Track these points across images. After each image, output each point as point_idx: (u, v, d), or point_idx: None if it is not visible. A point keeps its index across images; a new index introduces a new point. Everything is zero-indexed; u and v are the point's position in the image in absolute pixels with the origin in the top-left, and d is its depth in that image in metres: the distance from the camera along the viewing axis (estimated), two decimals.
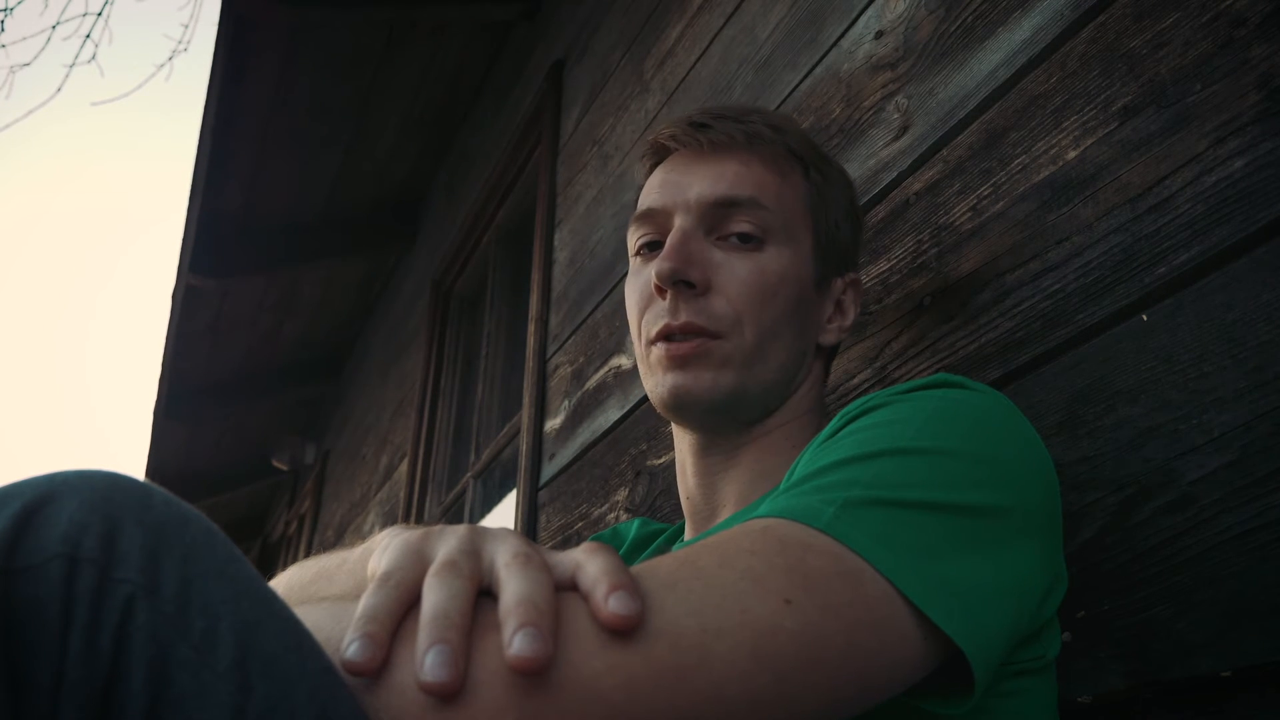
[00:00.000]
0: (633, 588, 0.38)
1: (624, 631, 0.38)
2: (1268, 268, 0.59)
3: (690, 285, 0.69)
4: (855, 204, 0.82)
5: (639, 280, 0.74)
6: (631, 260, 0.77)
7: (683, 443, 0.76)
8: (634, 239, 0.77)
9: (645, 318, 0.72)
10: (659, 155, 0.79)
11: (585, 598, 0.39)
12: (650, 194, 0.75)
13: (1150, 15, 0.71)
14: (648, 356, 0.72)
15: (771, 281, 0.70)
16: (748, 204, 0.71)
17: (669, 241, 0.70)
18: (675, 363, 0.69)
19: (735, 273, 0.69)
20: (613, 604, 0.38)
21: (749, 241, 0.71)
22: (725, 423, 0.72)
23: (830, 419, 0.75)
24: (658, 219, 0.74)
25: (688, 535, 0.77)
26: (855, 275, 0.79)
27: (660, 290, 0.70)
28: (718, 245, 0.71)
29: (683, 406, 0.69)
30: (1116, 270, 0.69)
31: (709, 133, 0.73)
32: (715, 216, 0.71)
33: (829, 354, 0.80)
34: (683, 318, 0.68)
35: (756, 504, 0.68)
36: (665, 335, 0.69)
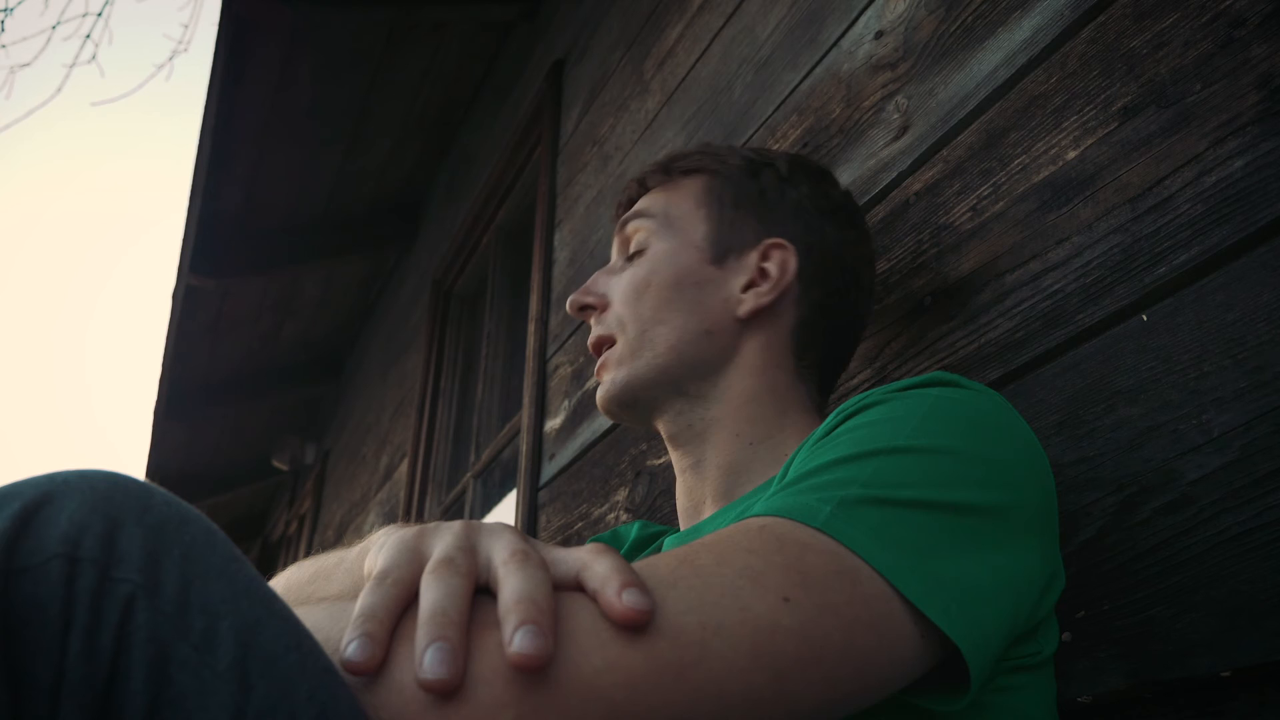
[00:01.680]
0: (643, 585, 0.39)
1: (635, 627, 0.38)
2: (1268, 268, 0.59)
3: (591, 308, 0.81)
4: (761, 182, 0.80)
5: None
6: None
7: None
8: None
9: None
10: None
11: (594, 595, 0.39)
12: None
13: (1150, 15, 0.71)
14: None
15: (642, 277, 0.77)
16: (633, 216, 0.82)
17: None
18: (598, 378, 0.79)
19: (619, 284, 0.79)
20: (627, 599, 0.38)
21: (637, 251, 0.80)
22: (654, 412, 0.78)
23: (801, 404, 0.76)
24: None
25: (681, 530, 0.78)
26: (775, 239, 0.77)
27: (588, 322, 0.82)
28: (622, 269, 0.81)
29: (607, 410, 0.79)
30: (1116, 270, 0.69)
31: (621, 197, 0.87)
32: (621, 244, 0.83)
33: (780, 329, 0.76)
34: (592, 335, 0.80)
35: (739, 502, 0.69)
36: (595, 357, 0.80)
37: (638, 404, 0.77)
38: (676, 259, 0.77)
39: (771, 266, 0.76)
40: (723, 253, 0.77)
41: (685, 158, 0.84)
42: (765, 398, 0.75)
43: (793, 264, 0.76)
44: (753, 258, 0.77)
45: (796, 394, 0.76)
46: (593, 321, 0.81)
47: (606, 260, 1.64)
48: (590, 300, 0.80)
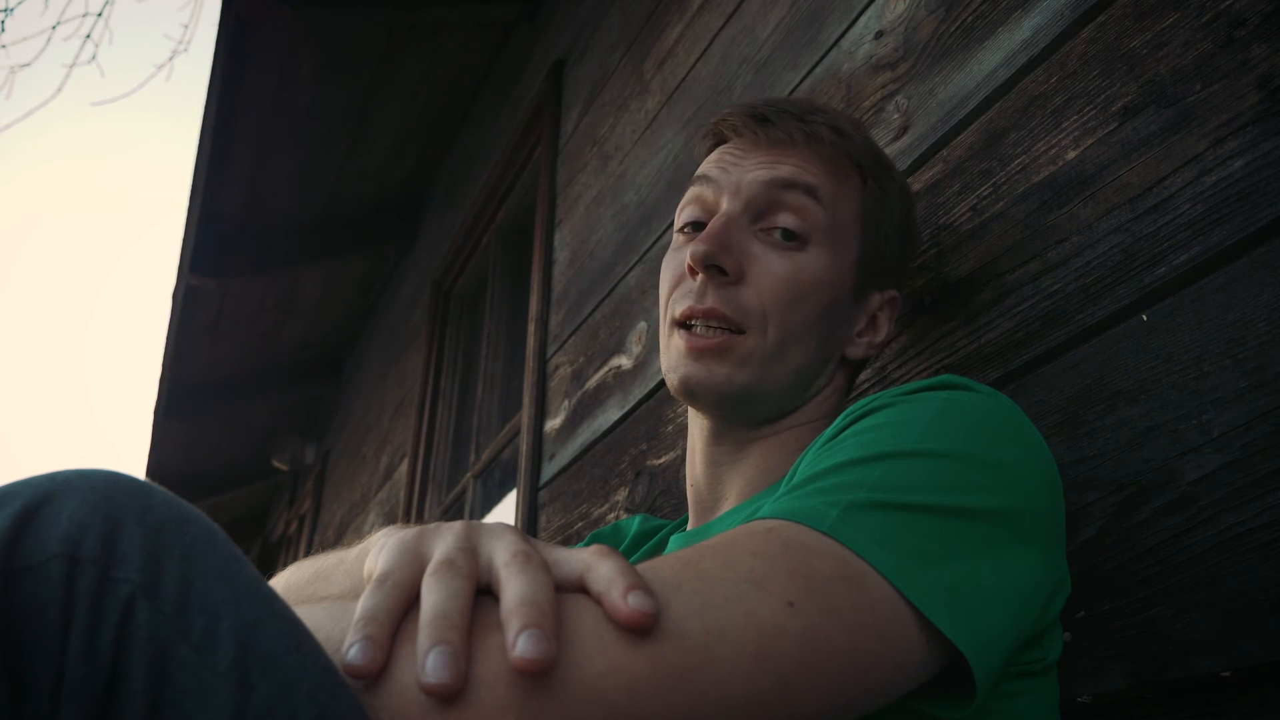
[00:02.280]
0: (648, 588, 0.39)
1: (641, 629, 0.38)
2: (1268, 268, 0.59)
3: (723, 272, 0.69)
4: (911, 220, 0.80)
5: (676, 257, 0.74)
6: (675, 236, 0.77)
7: (695, 430, 0.77)
8: (681, 214, 0.77)
9: (673, 295, 0.72)
10: (718, 139, 0.78)
11: (599, 598, 0.39)
12: (708, 166, 0.75)
13: (1150, 15, 0.71)
14: (669, 337, 0.72)
15: (806, 283, 0.69)
16: (802, 189, 0.70)
17: (711, 225, 0.70)
18: (693, 354, 0.69)
19: (771, 268, 0.69)
20: (633, 601, 0.38)
21: (791, 239, 0.70)
22: (736, 416, 0.72)
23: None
24: (707, 199, 0.74)
25: (691, 525, 0.78)
26: (895, 293, 0.77)
27: (692, 271, 0.70)
28: (760, 237, 0.71)
29: (694, 395, 0.70)
30: (1116, 270, 0.69)
31: (769, 128, 0.73)
32: (764, 202, 0.71)
33: (855, 367, 0.79)
34: (708, 303, 0.68)
35: (753, 500, 0.69)
36: (688, 318, 0.70)
37: (737, 406, 0.71)
38: (836, 278, 0.71)
39: (883, 320, 0.77)
40: (862, 288, 0.74)
41: (852, 138, 0.74)
42: (832, 417, 0.75)
43: (893, 321, 0.78)
44: (875, 302, 0.76)
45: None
46: (711, 284, 0.69)
47: (606, 260, 1.64)
48: (728, 265, 0.68)
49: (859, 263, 0.73)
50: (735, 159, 0.73)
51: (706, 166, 0.75)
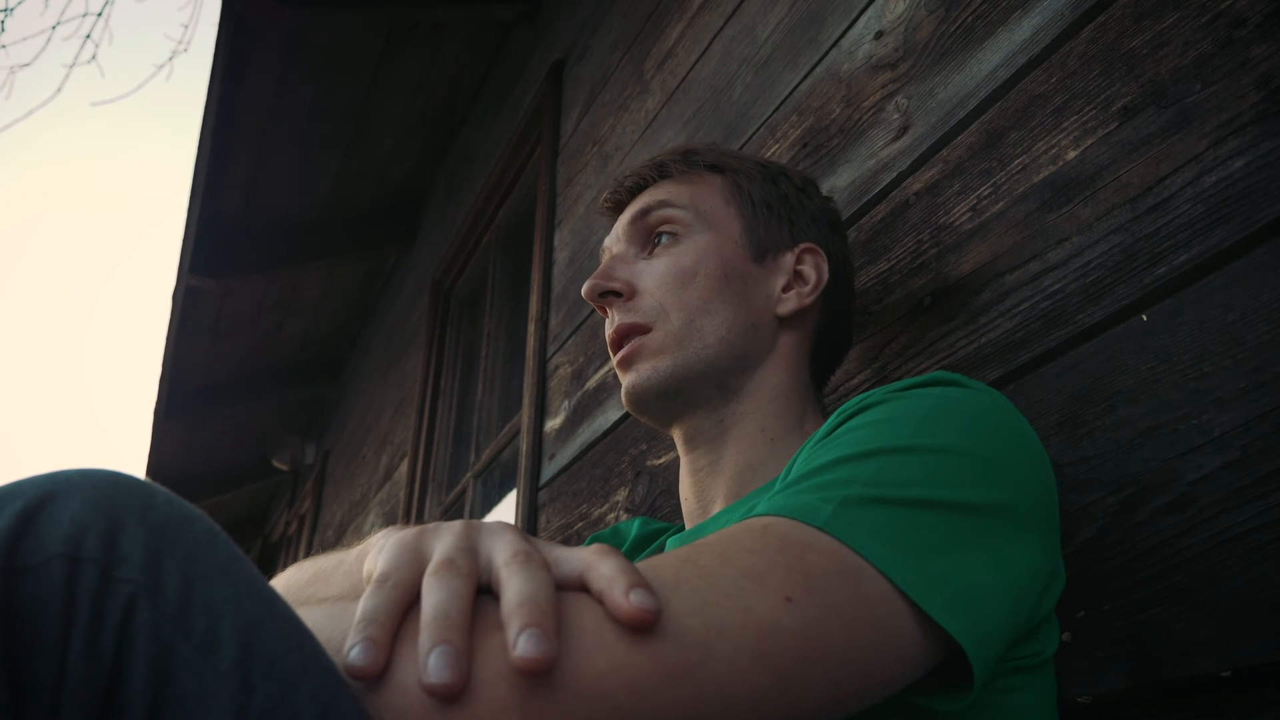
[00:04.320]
0: (649, 586, 0.39)
1: (643, 627, 0.38)
2: (1268, 268, 0.59)
3: (616, 294, 0.77)
4: (797, 187, 0.84)
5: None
6: None
7: (678, 447, 0.80)
8: None
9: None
10: (609, 216, 0.88)
11: (600, 596, 0.39)
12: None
13: (1150, 15, 0.71)
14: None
15: (688, 266, 0.76)
16: (657, 206, 0.79)
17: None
18: (622, 368, 0.76)
19: (655, 270, 0.77)
20: (634, 599, 0.38)
21: (666, 239, 0.78)
22: (688, 406, 0.75)
23: (815, 405, 0.78)
24: (605, 261, 0.83)
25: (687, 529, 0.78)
26: (809, 244, 0.80)
27: (602, 309, 0.79)
28: (645, 258, 0.79)
29: (637, 403, 0.76)
30: (1116, 270, 0.69)
31: (627, 181, 0.85)
32: (638, 233, 0.81)
33: (806, 330, 0.79)
34: (616, 322, 0.76)
35: (745, 500, 0.69)
36: (613, 347, 0.77)
37: (679, 395, 0.74)
38: (721, 252, 0.77)
39: (808, 270, 0.79)
40: (761, 251, 0.78)
41: (702, 153, 0.83)
42: (793, 394, 0.76)
43: (825, 269, 0.79)
44: (788, 259, 0.79)
45: (813, 395, 0.79)
46: (614, 310, 0.77)
47: None
48: (616, 286, 0.77)
49: (746, 234, 0.79)
50: (617, 221, 0.84)
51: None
